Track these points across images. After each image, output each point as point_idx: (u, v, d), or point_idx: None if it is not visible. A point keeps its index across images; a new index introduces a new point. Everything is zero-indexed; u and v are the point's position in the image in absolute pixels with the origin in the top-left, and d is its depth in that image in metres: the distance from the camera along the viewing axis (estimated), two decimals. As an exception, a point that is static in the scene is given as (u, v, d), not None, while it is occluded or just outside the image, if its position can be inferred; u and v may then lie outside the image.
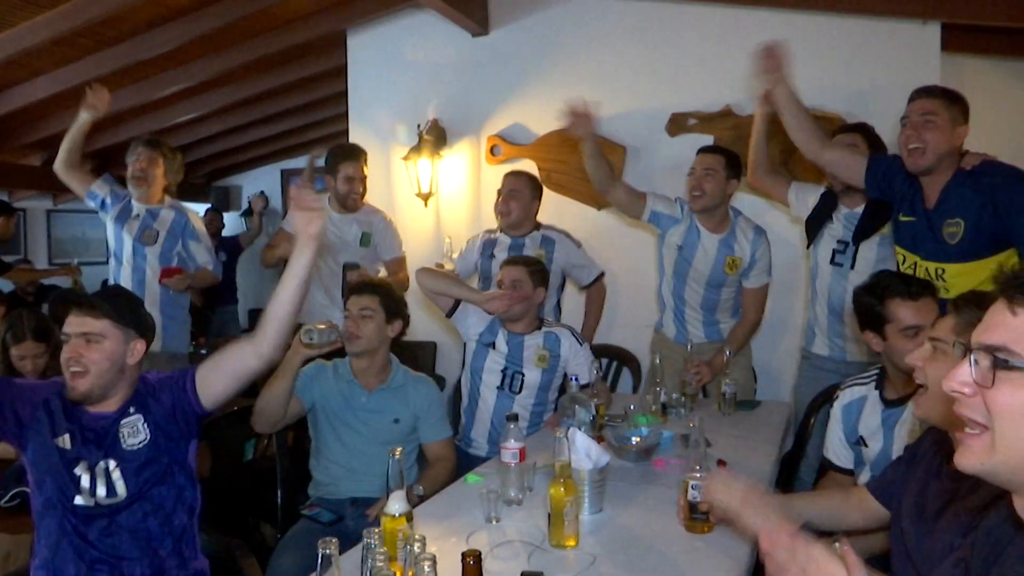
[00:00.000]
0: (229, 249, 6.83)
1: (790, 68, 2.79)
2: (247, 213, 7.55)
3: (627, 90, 4.10)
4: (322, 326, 2.42)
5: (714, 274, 3.30)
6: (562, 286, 3.82)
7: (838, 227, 3.08)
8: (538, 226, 3.71)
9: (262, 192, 7.38)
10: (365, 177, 3.82)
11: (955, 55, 3.77)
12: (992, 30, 3.71)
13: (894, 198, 2.70)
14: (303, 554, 2.16)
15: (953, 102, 2.45)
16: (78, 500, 1.82)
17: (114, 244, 3.74)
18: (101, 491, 1.82)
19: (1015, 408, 0.87)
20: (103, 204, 3.73)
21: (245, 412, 2.62)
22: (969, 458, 0.93)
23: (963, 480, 1.36)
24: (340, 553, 1.35)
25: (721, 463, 2.35)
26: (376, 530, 1.41)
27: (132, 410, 1.89)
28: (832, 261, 3.09)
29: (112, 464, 1.84)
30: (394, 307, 2.71)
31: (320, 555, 1.31)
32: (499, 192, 3.65)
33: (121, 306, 1.90)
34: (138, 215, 3.67)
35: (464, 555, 1.38)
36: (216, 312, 6.66)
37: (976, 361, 0.90)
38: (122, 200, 3.72)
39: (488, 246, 3.72)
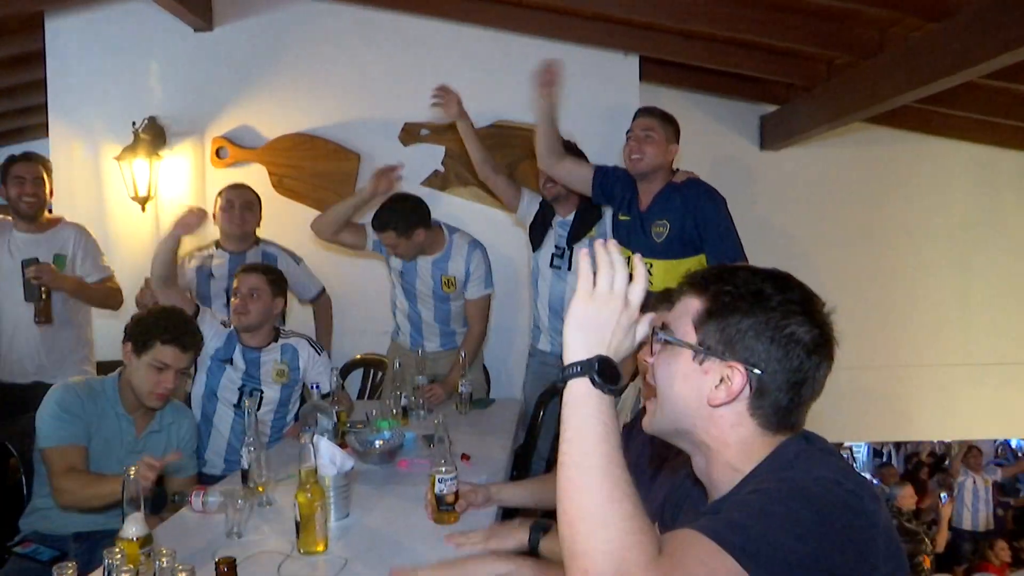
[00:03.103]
0: None
1: (560, 87, 3.09)
2: None
3: (361, 97, 4.12)
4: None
5: (436, 293, 3.40)
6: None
7: (555, 233, 3.39)
8: (257, 241, 3.57)
9: None
10: (44, 183, 3.31)
11: (652, 85, 4.32)
12: (683, 67, 4.31)
13: (614, 201, 3.08)
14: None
15: (668, 122, 2.92)
16: None
17: None
18: None
19: (666, 375, 1.08)
20: None
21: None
22: (646, 419, 1.13)
23: (670, 447, 1.60)
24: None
25: (464, 457, 2.48)
26: (116, 550, 1.31)
27: None
28: (551, 265, 3.39)
29: None
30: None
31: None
32: (230, 203, 3.44)
33: None
34: None
35: (217, 563, 1.34)
36: None
37: (654, 337, 1.10)
38: None
39: (204, 264, 3.49)
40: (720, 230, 2.80)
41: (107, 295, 3.43)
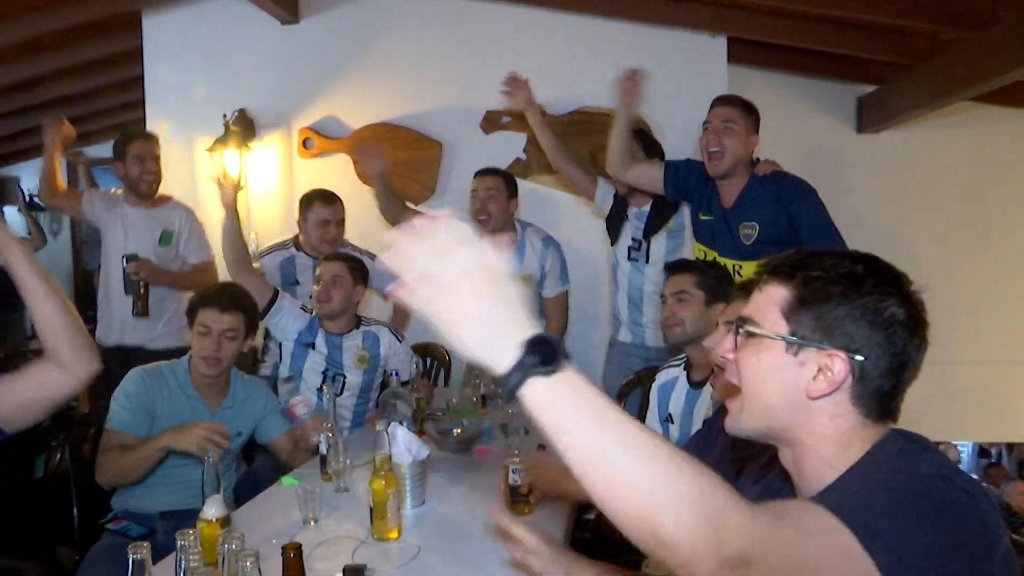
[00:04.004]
0: None
1: (641, 96, 2.99)
2: (32, 207, 6.80)
3: (443, 86, 4.13)
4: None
5: None
6: None
7: (631, 225, 3.30)
8: (343, 244, 3.57)
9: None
10: (159, 160, 3.52)
11: (740, 67, 4.15)
12: (774, 47, 4.12)
13: (692, 199, 2.93)
14: (114, 571, 1.97)
15: (749, 112, 2.72)
16: None
17: None
18: None
19: (755, 370, 1.02)
20: None
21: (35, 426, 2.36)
22: (730, 420, 1.07)
23: (752, 447, 1.52)
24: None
25: (541, 447, 2.44)
26: (190, 531, 1.34)
27: None
28: (629, 257, 3.31)
29: None
30: (255, 325, 2.55)
31: (130, 561, 1.23)
32: (326, 222, 3.41)
33: None
34: None
35: (284, 548, 1.35)
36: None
37: (737, 331, 1.04)
38: None
39: (287, 268, 3.49)
40: (818, 225, 2.61)
41: (203, 281, 3.56)
